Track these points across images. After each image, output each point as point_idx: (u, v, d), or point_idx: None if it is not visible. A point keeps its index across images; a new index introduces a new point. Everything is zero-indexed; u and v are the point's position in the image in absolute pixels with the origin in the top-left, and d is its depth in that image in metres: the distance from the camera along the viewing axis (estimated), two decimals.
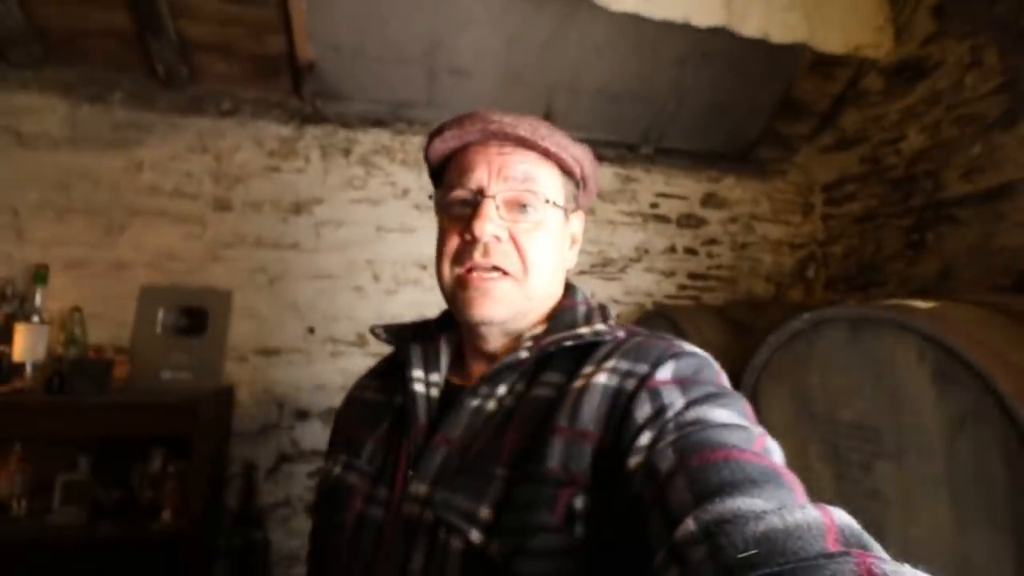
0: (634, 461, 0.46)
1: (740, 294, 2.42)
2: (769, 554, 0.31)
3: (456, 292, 0.62)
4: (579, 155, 0.64)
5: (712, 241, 2.43)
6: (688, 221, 2.42)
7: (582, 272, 2.27)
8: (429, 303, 2.09)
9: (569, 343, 0.58)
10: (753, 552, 0.31)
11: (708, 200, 2.44)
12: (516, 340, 0.63)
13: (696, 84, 2.20)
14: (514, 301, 0.60)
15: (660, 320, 1.96)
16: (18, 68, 1.93)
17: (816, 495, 1.21)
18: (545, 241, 0.62)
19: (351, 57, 2.02)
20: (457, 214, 0.62)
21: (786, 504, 0.35)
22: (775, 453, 0.46)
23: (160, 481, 1.68)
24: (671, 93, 2.23)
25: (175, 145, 1.97)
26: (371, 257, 2.08)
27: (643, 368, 0.54)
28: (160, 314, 1.84)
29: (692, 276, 2.40)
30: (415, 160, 2.16)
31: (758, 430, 0.47)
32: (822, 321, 1.25)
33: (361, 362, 2.01)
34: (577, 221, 0.69)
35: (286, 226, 2.02)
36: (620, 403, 0.52)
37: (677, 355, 0.55)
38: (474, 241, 0.59)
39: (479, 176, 0.60)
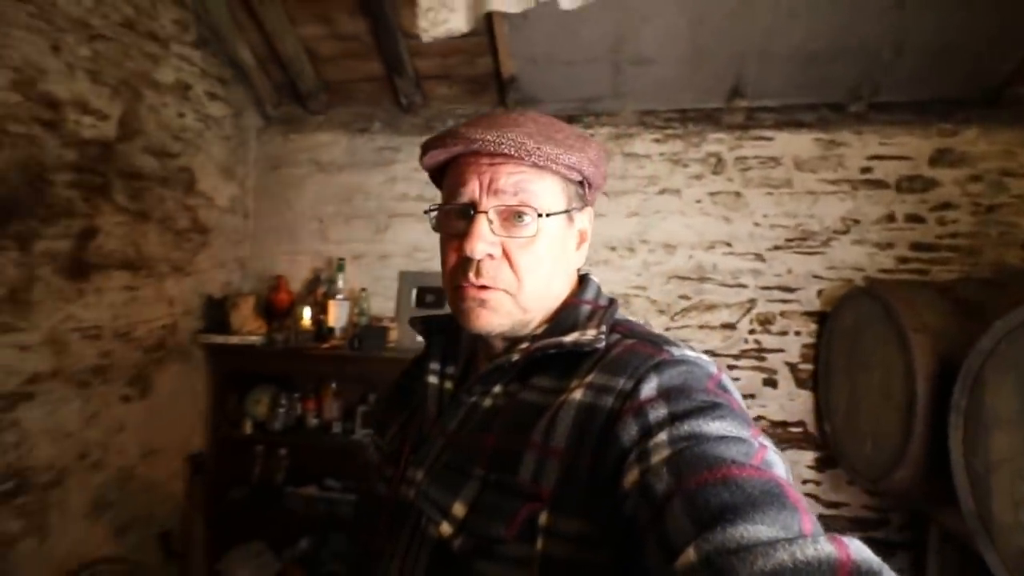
0: (627, 481, 0.45)
1: (984, 266, 2.08)
2: None
3: (456, 304, 0.62)
4: (575, 162, 0.59)
5: (945, 205, 2.12)
6: (912, 184, 2.14)
7: (776, 247, 2.22)
8: (617, 281, 2.30)
9: (552, 351, 0.57)
10: None
11: (940, 158, 2.12)
12: (519, 340, 0.63)
13: (919, 24, 1.92)
14: (510, 313, 0.60)
15: (865, 299, 1.84)
16: (315, 114, 2.65)
17: None
18: (541, 253, 0.60)
19: (545, 65, 2.28)
20: (453, 229, 0.61)
21: (796, 536, 0.34)
22: (777, 466, 0.43)
23: None
24: (886, 40, 1.98)
25: (417, 160, 2.51)
26: None
27: (620, 382, 0.52)
28: (413, 293, 2.42)
29: (917, 247, 2.13)
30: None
31: (758, 441, 0.45)
32: None
33: None
34: (584, 218, 0.66)
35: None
36: (597, 422, 0.51)
37: (661, 365, 0.53)
38: (468, 259, 0.58)
39: (470, 190, 0.59)
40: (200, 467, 2.37)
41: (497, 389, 0.60)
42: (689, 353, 0.55)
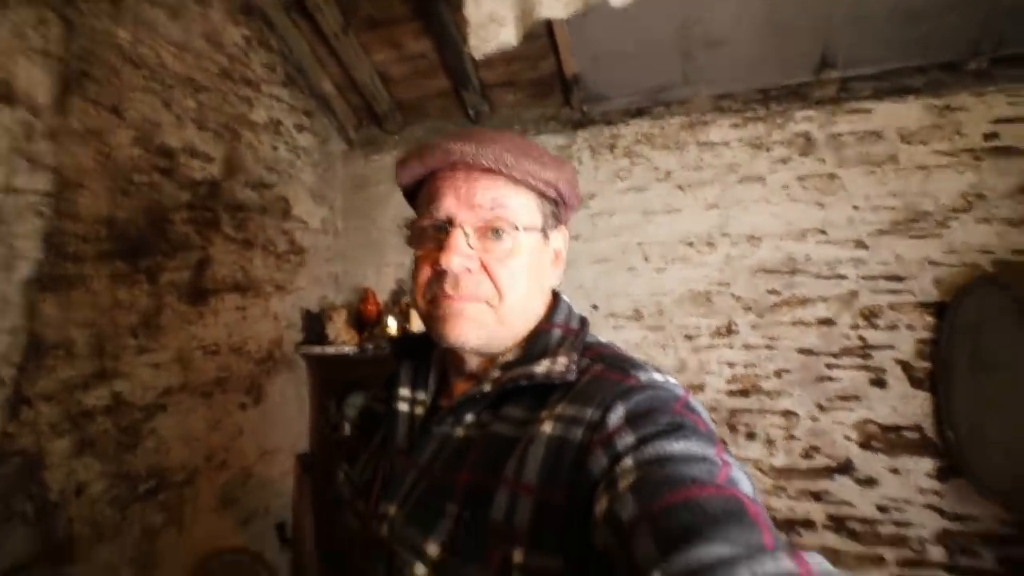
0: (597, 511, 0.45)
1: None
2: None
3: (430, 313, 0.61)
4: (551, 179, 0.60)
5: None
6: None
7: (881, 232, 1.98)
8: (698, 278, 2.18)
9: (524, 383, 0.56)
10: None
11: None
12: (492, 360, 0.62)
13: None
14: (487, 325, 0.59)
15: (992, 288, 1.59)
16: (391, 133, 2.80)
17: None
18: (519, 267, 0.59)
19: (609, 61, 2.21)
20: (428, 244, 0.60)
21: (756, 553, 0.34)
22: (742, 483, 0.43)
23: None
24: None
25: None
26: (641, 239, 2.29)
27: (589, 413, 0.52)
28: None
29: None
30: (675, 142, 2.24)
31: (722, 459, 0.45)
32: None
33: (638, 333, 2.27)
34: (559, 237, 0.66)
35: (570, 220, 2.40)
36: (568, 456, 0.50)
37: (627, 392, 0.52)
38: (444, 272, 0.58)
39: (447, 204, 0.59)
40: (308, 466, 2.61)
41: (469, 419, 0.60)
42: (657, 377, 0.55)
